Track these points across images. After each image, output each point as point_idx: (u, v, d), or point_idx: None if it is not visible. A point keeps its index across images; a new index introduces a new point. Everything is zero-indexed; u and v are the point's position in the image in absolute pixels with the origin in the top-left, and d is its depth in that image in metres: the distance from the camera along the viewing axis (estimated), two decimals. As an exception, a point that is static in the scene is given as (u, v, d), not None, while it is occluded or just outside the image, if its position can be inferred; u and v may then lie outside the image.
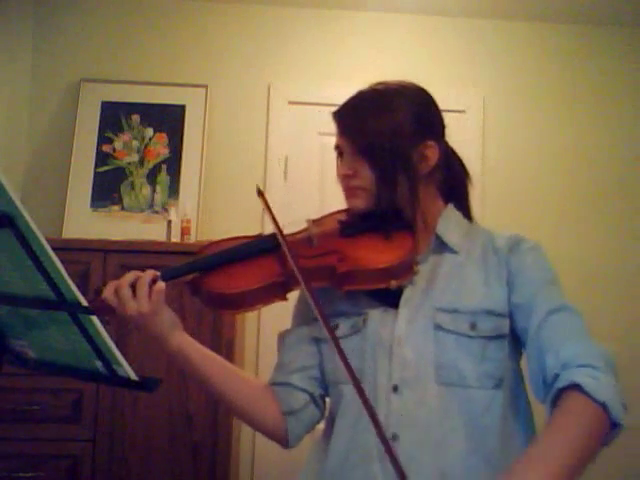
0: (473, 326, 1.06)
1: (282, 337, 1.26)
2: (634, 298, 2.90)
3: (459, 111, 2.86)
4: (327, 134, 2.94)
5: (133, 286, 1.07)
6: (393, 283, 1.09)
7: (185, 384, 2.24)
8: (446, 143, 1.21)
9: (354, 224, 1.17)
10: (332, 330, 1.00)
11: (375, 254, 1.11)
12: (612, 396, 0.92)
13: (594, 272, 2.88)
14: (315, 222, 1.23)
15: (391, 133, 1.11)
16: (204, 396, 2.25)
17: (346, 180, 1.17)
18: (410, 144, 1.12)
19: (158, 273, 1.09)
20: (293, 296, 1.19)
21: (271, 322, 2.67)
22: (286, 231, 1.17)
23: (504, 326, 1.08)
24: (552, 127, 2.97)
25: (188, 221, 2.57)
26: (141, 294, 1.05)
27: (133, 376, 0.92)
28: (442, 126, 1.20)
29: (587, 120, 2.99)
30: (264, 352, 2.76)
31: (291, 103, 2.89)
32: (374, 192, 1.13)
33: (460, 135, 3.00)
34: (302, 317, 1.23)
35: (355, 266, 1.10)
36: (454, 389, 1.05)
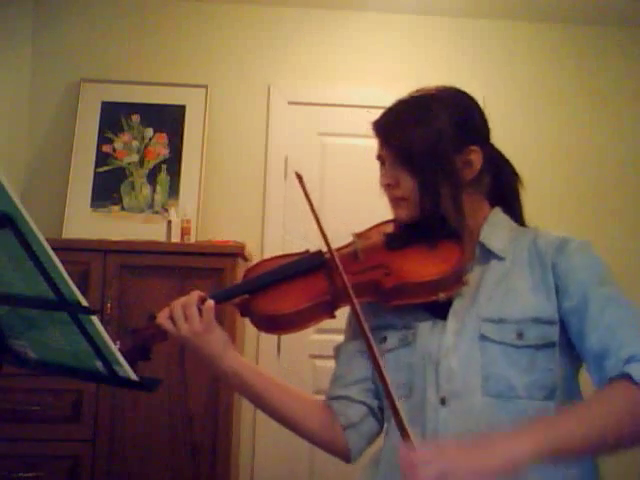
0: (520, 335, 1.03)
1: (338, 350, 1.25)
2: (635, 298, 2.90)
3: (459, 111, 2.86)
4: (327, 134, 2.96)
5: (184, 308, 1.09)
6: (441, 296, 1.07)
7: (185, 384, 2.24)
8: (491, 146, 1.19)
9: (399, 236, 1.15)
10: (372, 346, 0.96)
11: (422, 267, 1.08)
12: None
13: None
14: (360, 235, 1.20)
15: (431, 141, 1.09)
16: (204, 396, 2.25)
17: (389, 190, 1.15)
18: (452, 151, 1.10)
19: (204, 294, 1.11)
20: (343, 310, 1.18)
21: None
22: (330, 244, 1.14)
23: (553, 334, 1.04)
24: (552, 127, 2.98)
25: (188, 221, 2.57)
26: (192, 313, 1.08)
27: (133, 376, 0.92)
28: (486, 129, 1.18)
29: (587, 120, 2.99)
30: (264, 352, 2.76)
31: (291, 103, 2.89)
32: (417, 202, 1.10)
33: (460, 135, 3.01)
34: (354, 330, 1.21)
35: (401, 281, 1.07)
36: (502, 401, 1.02)
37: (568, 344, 1.06)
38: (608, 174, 2.96)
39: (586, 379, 1.07)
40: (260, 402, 1.15)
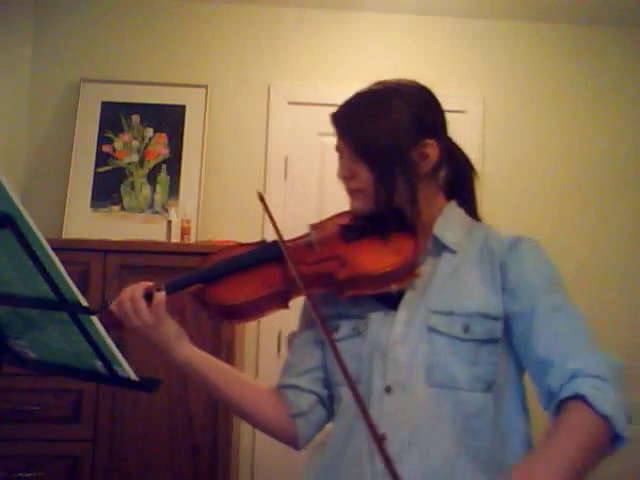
0: (466, 329, 1.05)
1: (290, 339, 1.26)
2: (637, 298, 2.90)
3: (459, 111, 2.86)
4: (327, 134, 2.93)
5: (132, 301, 1.08)
6: (394, 287, 1.09)
7: (185, 384, 2.24)
8: (449, 139, 1.20)
9: (354, 228, 1.16)
10: (330, 334, 0.99)
11: (376, 259, 1.10)
12: (616, 409, 0.91)
13: (595, 272, 2.88)
14: (316, 226, 1.22)
15: (388, 134, 1.10)
16: (204, 396, 2.25)
17: (346, 182, 1.17)
18: (408, 144, 1.11)
19: (155, 284, 1.10)
20: (297, 300, 1.19)
21: (271, 322, 2.67)
22: (287, 236, 1.16)
23: (497, 329, 1.06)
24: (552, 127, 2.97)
25: (188, 221, 2.57)
26: (140, 306, 1.07)
27: (133, 376, 0.92)
28: (443, 123, 1.19)
29: (587, 120, 2.99)
30: (264, 352, 2.76)
31: (291, 103, 2.89)
32: (373, 194, 1.12)
33: (460, 135, 3.01)
34: (308, 319, 1.23)
35: (355, 272, 1.08)
36: (444, 391, 1.04)
37: (510, 342, 1.08)
38: (609, 174, 2.96)
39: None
40: (213, 391, 1.16)
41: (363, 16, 2.94)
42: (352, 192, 1.17)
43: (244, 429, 2.69)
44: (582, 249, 2.89)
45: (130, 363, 0.92)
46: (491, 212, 3.22)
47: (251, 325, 2.70)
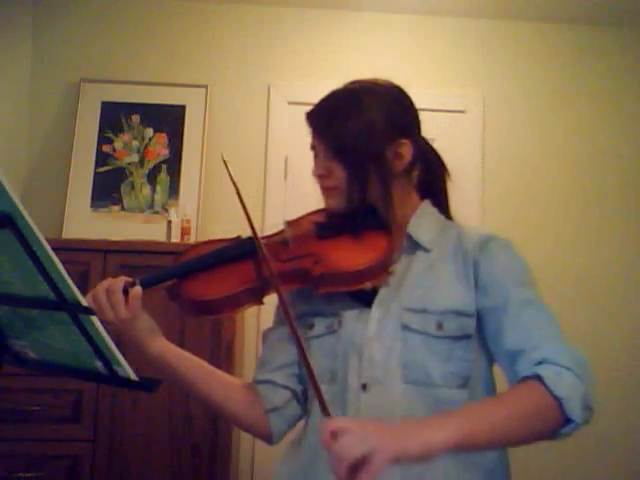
0: (440, 326, 1.07)
1: (265, 335, 1.28)
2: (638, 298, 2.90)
3: (459, 111, 2.86)
4: (327, 134, 2.96)
5: (108, 293, 1.09)
6: (367, 284, 1.10)
7: (185, 384, 2.24)
8: (422, 139, 1.21)
9: (329, 225, 1.17)
10: (296, 333, 0.99)
11: (350, 256, 1.11)
12: (570, 393, 0.93)
13: (598, 271, 2.88)
14: (291, 223, 1.23)
15: (362, 133, 1.11)
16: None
17: (321, 180, 1.17)
18: (382, 143, 1.12)
19: (130, 279, 1.11)
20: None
21: (271, 322, 2.67)
22: (263, 233, 1.17)
23: (470, 326, 1.08)
24: (552, 127, 2.97)
25: (188, 221, 2.57)
26: (116, 300, 1.08)
27: (133, 376, 0.92)
28: (417, 122, 1.20)
29: (587, 120, 2.98)
30: (264, 352, 2.76)
31: (291, 103, 2.89)
32: (348, 192, 1.13)
33: (460, 135, 3.02)
34: (281, 314, 1.25)
35: (329, 269, 1.10)
36: (420, 388, 1.06)
37: (483, 336, 1.10)
38: (611, 174, 2.96)
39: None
40: (187, 386, 1.16)
41: (363, 16, 2.94)
42: (327, 190, 1.17)
43: (244, 429, 2.69)
44: (584, 248, 2.89)
45: (130, 363, 0.92)
46: (491, 212, 3.25)
47: (251, 325, 2.70)
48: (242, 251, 1.17)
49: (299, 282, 1.12)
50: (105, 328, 1.06)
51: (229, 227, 2.79)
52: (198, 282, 1.14)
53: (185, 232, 2.54)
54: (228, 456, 2.25)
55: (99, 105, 2.77)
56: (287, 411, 1.19)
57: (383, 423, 0.89)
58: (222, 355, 2.24)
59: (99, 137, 2.74)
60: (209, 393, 1.17)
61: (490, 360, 1.12)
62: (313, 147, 1.20)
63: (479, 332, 1.09)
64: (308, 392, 1.19)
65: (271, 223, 2.77)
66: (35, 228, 0.80)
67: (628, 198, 2.96)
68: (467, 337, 1.08)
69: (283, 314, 1.03)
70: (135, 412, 2.24)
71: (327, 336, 1.14)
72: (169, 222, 2.53)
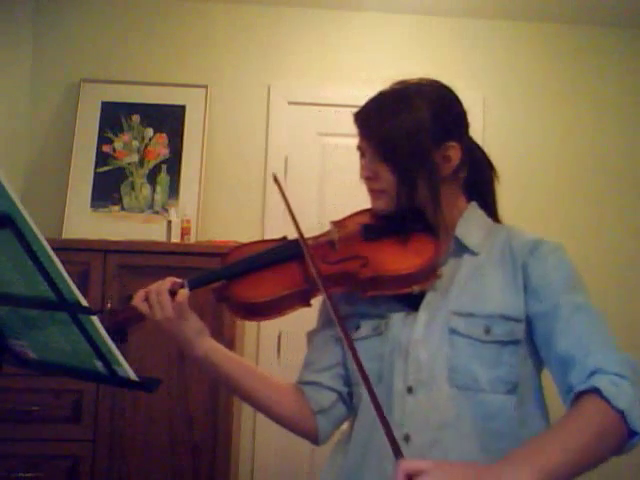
0: (487, 330, 1.05)
1: (310, 336, 1.27)
2: (639, 294, 2.90)
3: (459, 111, 2.86)
4: (327, 134, 2.96)
5: (157, 294, 1.10)
6: (415, 288, 1.09)
7: (185, 384, 2.24)
8: (470, 140, 1.19)
9: (376, 228, 1.16)
10: (348, 335, 0.99)
11: (398, 260, 1.10)
12: (632, 405, 0.90)
13: (597, 270, 2.88)
14: (337, 224, 1.21)
15: (410, 135, 1.09)
16: (204, 396, 2.25)
17: (368, 182, 1.16)
18: (431, 146, 1.10)
19: (179, 280, 1.12)
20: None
21: (271, 323, 2.67)
22: (308, 233, 1.16)
23: (519, 331, 1.06)
24: (552, 127, 2.97)
25: (188, 221, 2.57)
26: (164, 300, 1.09)
27: (133, 376, 0.92)
28: (465, 124, 1.18)
29: (587, 120, 2.98)
30: (264, 352, 2.76)
31: (291, 103, 2.89)
32: (395, 194, 1.11)
33: (460, 135, 3.00)
34: (326, 316, 1.23)
35: (377, 272, 1.08)
36: (467, 392, 1.04)
37: (532, 343, 1.08)
38: (610, 173, 2.96)
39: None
40: (233, 387, 1.17)
41: (363, 16, 2.94)
42: (374, 192, 1.16)
43: (244, 429, 2.69)
44: (584, 247, 2.89)
45: (130, 363, 0.92)
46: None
47: (251, 325, 2.70)
48: (290, 253, 1.16)
49: (346, 285, 1.11)
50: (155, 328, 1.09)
51: (229, 227, 2.81)
52: (246, 284, 1.13)
53: (185, 232, 2.54)
54: (228, 456, 2.25)
55: (99, 105, 2.77)
56: (333, 412, 1.19)
57: (459, 465, 0.88)
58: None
59: (99, 137, 2.74)
60: (255, 394, 1.17)
61: (539, 366, 1.10)
62: (359, 148, 1.17)
63: (529, 337, 1.07)
64: (354, 394, 1.18)
65: (271, 223, 2.79)
66: (35, 228, 0.80)
67: (626, 196, 2.96)
68: (515, 342, 1.06)
69: (333, 317, 1.02)
70: (135, 412, 2.24)
71: (373, 338, 1.13)
72: (169, 222, 2.53)
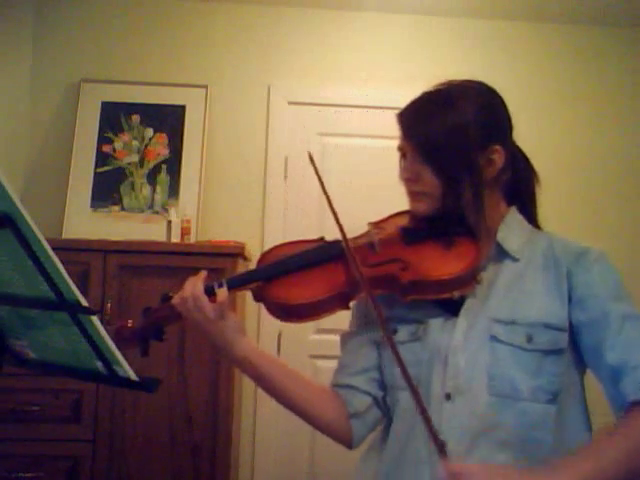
0: (529, 339, 1.03)
1: (344, 339, 1.25)
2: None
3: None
4: (327, 134, 2.96)
5: (195, 297, 1.09)
6: (456, 293, 1.07)
7: (185, 384, 2.24)
8: (513, 144, 1.18)
9: (417, 231, 1.14)
10: (392, 339, 0.98)
11: (439, 264, 1.08)
12: None
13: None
14: (376, 226, 1.19)
15: (455, 137, 1.07)
16: (204, 396, 2.25)
17: (408, 184, 1.13)
18: (475, 148, 1.08)
19: (216, 280, 1.11)
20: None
21: (271, 322, 2.67)
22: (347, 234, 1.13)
23: (562, 340, 1.04)
24: (552, 127, 2.97)
25: (188, 221, 2.57)
26: (203, 303, 1.08)
27: (133, 376, 0.92)
28: (510, 127, 1.16)
29: (588, 120, 2.99)
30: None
31: (291, 103, 2.89)
32: (437, 197, 1.09)
33: (460, 135, 3.00)
34: (362, 318, 1.21)
35: (419, 276, 1.07)
36: (506, 401, 1.03)
37: (575, 351, 1.06)
38: (609, 174, 2.96)
39: (591, 384, 1.08)
40: (272, 388, 1.16)
41: (363, 16, 2.94)
42: (415, 195, 1.13)
43: (244, 429, 2.69)
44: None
45: (130, 363, 0.92)
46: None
47: (251, 326, 2.70)
48: (330, 255, 1.14)
49: (386, 288, 1.09)
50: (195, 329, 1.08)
51: (229, 227, 2.81)
52: (285, 285, 1.12)
53: (185, 232, 2.54)
54: (228, 456, 2.25)
55: (99, 105, 2.77)
56: (368, 416, 1.17)
57: (504, 468, 0.88)
58: (223, 355, 2.24)
59: (99, 137, 2.74)
60: (292, 396, 1.16)
61: (582, 374, 1.09)
62: (400, 148, 1.15)
63: (573, 346, 1.06)
64: (390, 398, 1.17)
65: (271, 223, 2.78)
66: (35, 228, 0.80)
67: (625, 198, 2.96)
68: (558, 352, 1.04)
69: (377, 320, 1.00)
70: (135, 412, 2.24)
71: (411, 343, 1.11)
72: (169, 222, 2.53)
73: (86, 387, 2.21)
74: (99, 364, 0.92)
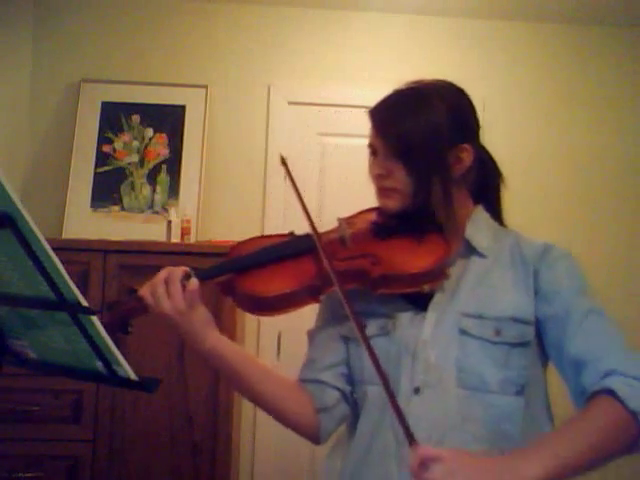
0: (498, 332, 1.06)
1: (311, 334, 1.25)
2: (638, 296, 2.90)
3: (459, 111, 2.86)
4: (327, 134, 2.96)
5: (167, 284, 1.07)
6: (426, 288, 1.09)
7: (185, 384, 2.24)
8: (480, 144, 1.20)
9: (387, 226, 1.16)
10: (364, 333, 0.98)
11: (409, 258, 1.10)
12: None
13: (595, 273, 2.87)
14: (346, 221, 1.21)
15: (428, 135, 1.09)
16: (204, 396, 2.25)
17: (379, 180, 1.15)
18: (446, 146, 1.11)
19: (187, 269, 1.09)
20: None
21: (271, 322, 2.67)
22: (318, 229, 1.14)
23: (529, 333, 1.07)
24: (552, 127, 2.97)
25: (188, 221, 2.57)
26: (174, 291, 1.06)
27: (133, 376, 0.92)
28: (478, 128, 1.19)
29: (587, 120, 2.98)
30: (264, 352, 2.76)
31: (291, 103, 2.89)
32: (408, 194, 1.11)
33: (460, 135, 3.00)
34: (331, 313, 1.22)
35: (389, 270, 1.08)
36: (475, 393, 1.05)
37: (539, 345, 1.09)
38: (609, 175, 2.96)
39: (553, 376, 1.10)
40: (239, 382, 1.15)
41: (363, 16, 2.94)
42: (385, 191, 1.15)
43: (244, 429, 2.69)
44: (581, 251, 2.87)
45: (130, 363, 0.92)
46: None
47: (251, 325, 2.70)
48: (302, 248, 1.15)
49: (357, 282, 1.10)
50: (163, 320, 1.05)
51: (229, 227, 2.81)
52: (256, 278, 1.12)
53: (185, 232, 2.54)
54: (228, 456, 2.25)
55: (99, 105, 2.77)
56: (336, 411, 1.18)
57: (474, 455, 0.89)
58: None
59: (99, 137, 2.74)
60: (260, 390, 1.15)
61: (545, 368, 1.12)
62: (371, 146, 1.16)
63: (537, 340, 1.08)
64: (358, 393, 1.17)
65: (272, 223, 2.78)
66: (35, 228, 0.80)
67: (625, 199, 2.96)
68: (525, 344, 1.06)
69: (349, 313, 1.00)
70: (135, 412, 2.24)
71: (380, 337, 1.12)
72: (169, 222, 2.53)
73: (86, 387, 2.21)
74: (99, 364, 0.92)
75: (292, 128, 2.88)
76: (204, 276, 1.11)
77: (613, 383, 0.93)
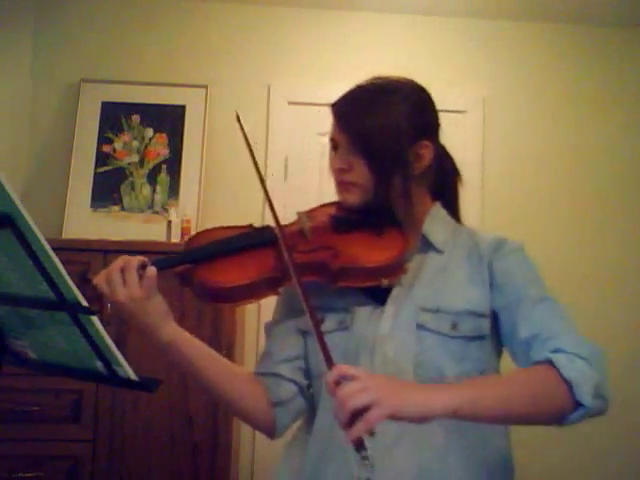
0: (454, 326, 1.08)
1: (269, 327, 1.25)
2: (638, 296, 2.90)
3: (459, 111, 2.86)
4: (327, 134, 2.95)
5: (123, 272, 1.04)
6: (384, 282, 1.10)
7: (185, 384, 2.24)
8: (439, 142, 1.21)
9: (348, 220, 1.17)
10: (319, 326, 0.99)
11: (369, 252, 1.11)
12: (581, 379, 0.94)
13: (599, 273, 2.88)
14: (307, 214, 1.22)
15: (388, 130, 1.10)
16: (204, 396, 2.25)
17: (340, 174, 1.16)
18: (407, 143, 1.12)
19: (144, 258, 1.08)
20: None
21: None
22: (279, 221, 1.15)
23: (485, 327, 1.09)
24: (552, 127, 2.97)
25: (188, 221, 2.57)
26: (131, 278, 1.03)
27: (133, 376, 0.92)
28: (438, 126, 1.20)
29: (587, 120, 2.98)
30: (264, 352, 2.76)
31: (291, 103, 2.89)
32: (368, 188, 1.12)
33: (460, 135, 3.02)
34: (288, 307, 1.22)
35: (349, 263, 1.09)
36: None
37: (494, 337, 1.12)
38: (609, 174, 2.96)
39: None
40: (194, 373, 1.13)
41: (363, 16, 2.94)
42: (345, 185, 1.16)
43: (244, 429, 2.69)
44: (585, 248, 2.89)
45: (130, 363, 0.92)
46: (491, 213, 3.23)
47: (251, 325, 2.70)
48: (261, 239, 1.16)
49: (316, 275, 1.10)
50: (115, 311, 1.03)
51: (229, 227, 2.79)
52: (214, 269, 1.11)
53: (185, 232, 2.54)
54: (228, 456, 2.26)
55: (99, 105, 2.77)
56: (292, 405, 1.17)
57: (390, 379, 0.92)
58: (222, 355, 2.23)
59: (99, 137, 2.74)
60: (216, 382, 1.14)
61: (499, 358, 1.15)
62: (333, 139, 1.18)
63: (493, 333, 1.11)
64: (315, 387, 1.17)
65: (272, 223, 2.78)
66: (35, 228, 0.80)
67: (628, 198, 2.96)
68: (481, 337, 1.09)
69: (305, 306, 0.99)
70: (135, 412, 2.24)
71: (338, 332, 1.12)
72: (169, 222, 2.53)
73: (86, 387, 2.21)
74: (99, 364, 0.92)
75: (292, 128, 2.87)
76: (161, 265, 1.10)
77: (554, 355, 0.97)
